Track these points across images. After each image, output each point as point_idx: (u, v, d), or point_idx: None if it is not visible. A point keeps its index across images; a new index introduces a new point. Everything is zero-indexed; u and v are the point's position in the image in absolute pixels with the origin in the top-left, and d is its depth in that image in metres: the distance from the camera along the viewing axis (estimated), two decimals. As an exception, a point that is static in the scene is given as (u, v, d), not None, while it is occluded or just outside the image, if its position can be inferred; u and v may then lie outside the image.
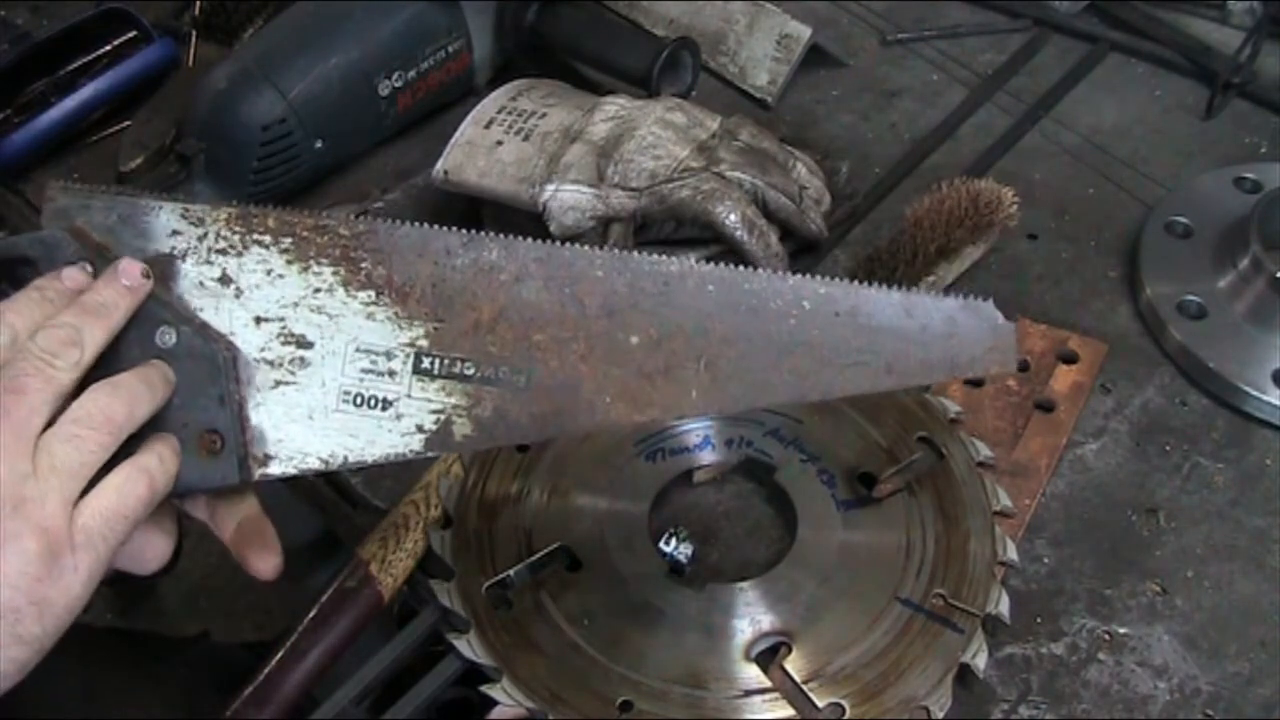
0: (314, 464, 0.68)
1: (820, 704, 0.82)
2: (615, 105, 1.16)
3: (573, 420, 0.68)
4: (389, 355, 0.67)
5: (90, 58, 1.34)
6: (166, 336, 0.66)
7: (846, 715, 0.81)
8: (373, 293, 0.67)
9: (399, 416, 0.67)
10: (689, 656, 0.85)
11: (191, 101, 1.22)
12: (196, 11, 1.42)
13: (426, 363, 0.67)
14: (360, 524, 0.97)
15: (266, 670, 0.81)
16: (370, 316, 0.67)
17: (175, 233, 0.67)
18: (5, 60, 1.28)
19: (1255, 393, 1.02)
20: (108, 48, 1.34)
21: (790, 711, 0.82)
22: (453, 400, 0.67)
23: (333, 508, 1.01)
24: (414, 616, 0.87)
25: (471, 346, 0.67)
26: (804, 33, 1.32)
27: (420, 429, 0.67)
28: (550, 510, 0.93)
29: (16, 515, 0.60)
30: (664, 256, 0.67)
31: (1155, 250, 1.14)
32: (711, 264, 0.67)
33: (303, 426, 0.68)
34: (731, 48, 1.36)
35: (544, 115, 1.17)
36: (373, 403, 0.67)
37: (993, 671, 0.87)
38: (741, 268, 0.67)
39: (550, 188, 1.10)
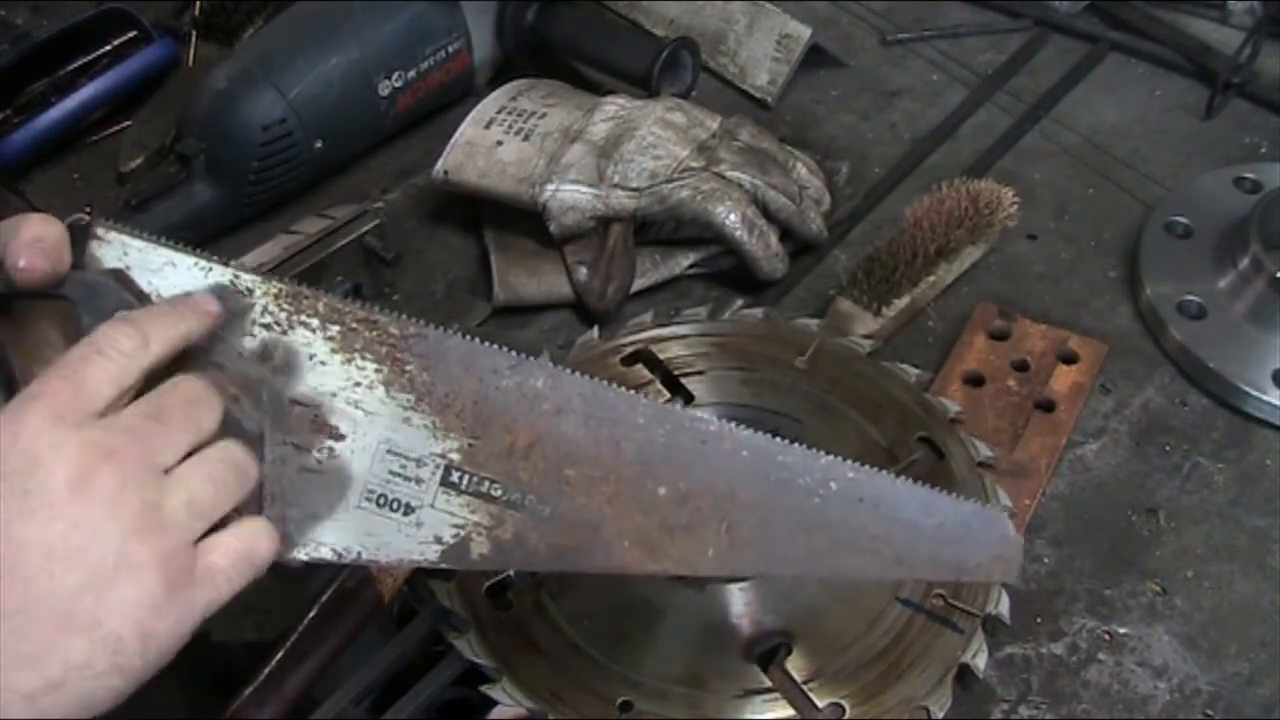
0: (326, 554, 0.67)
1: (820, 704, 0.82)
2: (615, 105, 1.16)
3: (588, 558, 0.68)
4: (419, 462, 0.66)
5: (90, 58, 1.34)
6: None
7: (846, 715, 0.81)
8: (413, 397, 0.66)
9: (419, 524, 0.67)
10: (689, 656, 0.85)
11: (191, 101, 1.23)
12: (196, 11, 1.42)
13: (455, 477, 0.67)
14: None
15: (266, 670, 0.81)
16: (406, 421, 0.66)
17: (222, 299, 0.65)
18: (5, 60, 1.28)
19: (1255, 393, 1.02)
20: (108, 48, 1.34)
21: (790, 711, 0.82)
22: (475, 518, 0.67)
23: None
24: (414, 616, 0.87)
25: (502, 469, 0.67)
26: (804, 33, 1.32)
27: (438, 540, 0.67)
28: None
29: (141, 543, 0.57)
30: (705, 416, 0.69)
31: (1155, 250, 1.14)
32: (749, 432, 0.68)
33: (320, 516, 0.67)
34: (731, 48, 1.36)
35: (544, 115, 1.17)
36: (394, 505, 0.67)
37: (993, 671, 0.87)
38: (778, 440, 0.68)
39: (550, 188, 1.10)
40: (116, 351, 0.59)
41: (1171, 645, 0.90)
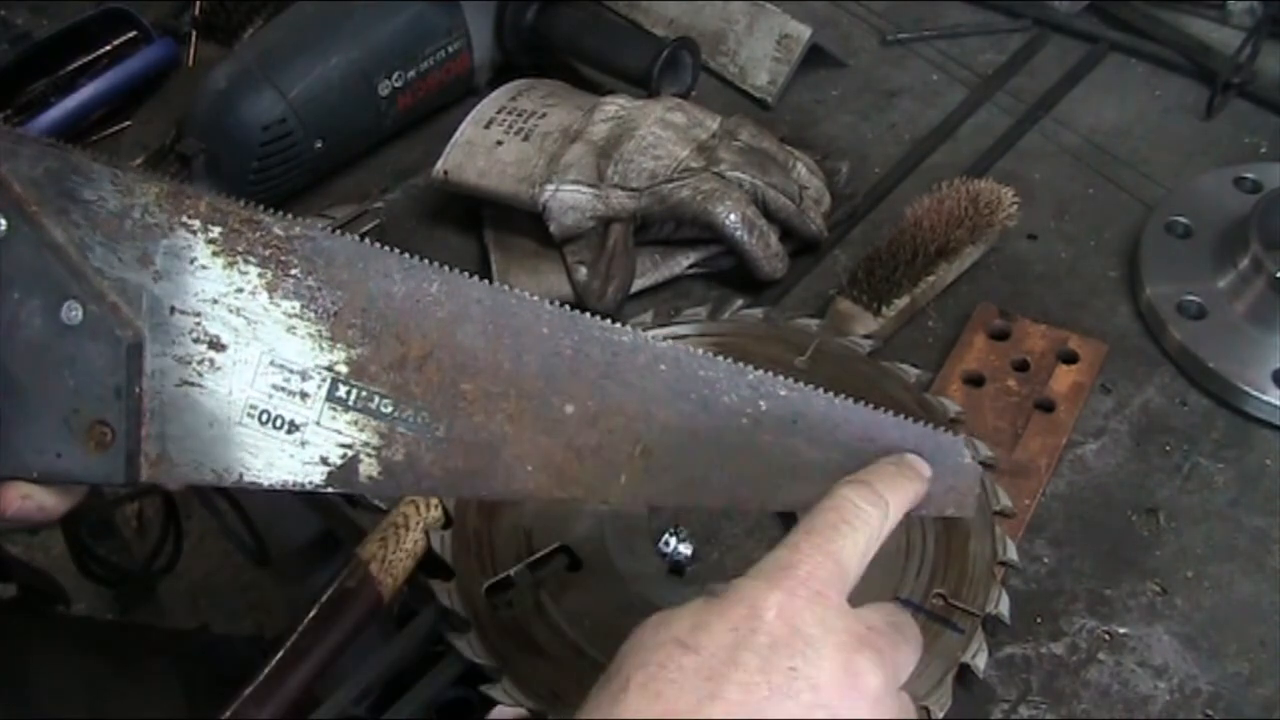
0: (207, 476, 0.63)
1: (820, 704, 0.82)
2: (615, 105, 1.16)
3: (487, 483, 0.63)
4: (304, 375, 0.62)
5: (90, 58, 1.34)
6: (73, 312, 0.61)
7: (846, 715, 0.81)
8: (298, 304, 0.62)
9: (303, 444, 0.63)
10: (689, 656, 0.85)
11: (191, 101, 1.23)
12: (196, 11, 1.42)
13: (342, 391, 0.62)
14: (360, 524, 0.97)
15: (267, 670, 0.81)
16: (291, 330, 0.62)
17: (101, 199, 0.62)
18: (5, 60, 1.28)
19: (1255, 393, 1.02)
20: (108, 48, 1.35)
21: (790, 711, 0.82)
22: (364, 437, 0.62)
23: (332, 508, 1.01)
24: (414, 616, 0.87)
25: (393, 383, 0.62)
26: (804, 33, 1.32)
27: (324, 461, 0.62)
28: (550, 510, 0.93)
29: None
30: (617, 325, 0.62)
31: (1155, 250, 1.14)
32: (668, 343, 0.62)
33: (201, 434, 0.63)
34: (731, 48, 1.36)
35: (544, 115, 1.17)
36: (278, 423, 0.62)
37: (993, 671, 0.87)
38: (699, 352, 0.62)
39: (550, 188, 1.10)
40: (863, 523, 0.56)
41: (1171, 645, 0.90)
